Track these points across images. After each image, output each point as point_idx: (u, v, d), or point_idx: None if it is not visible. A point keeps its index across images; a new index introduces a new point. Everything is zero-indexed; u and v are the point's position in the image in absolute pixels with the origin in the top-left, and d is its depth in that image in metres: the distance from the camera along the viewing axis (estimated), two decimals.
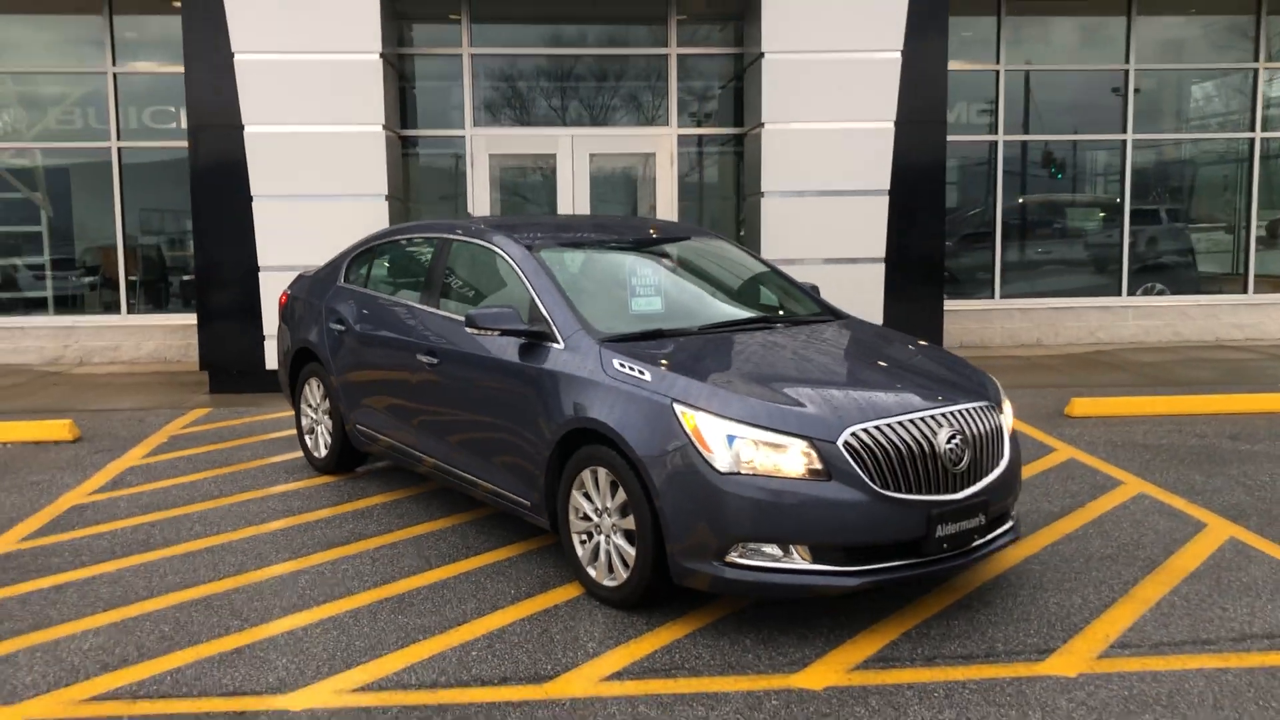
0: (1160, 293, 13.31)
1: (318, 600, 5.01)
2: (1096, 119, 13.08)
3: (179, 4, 11.15)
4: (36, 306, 12.47)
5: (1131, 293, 13.21)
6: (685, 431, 4.45)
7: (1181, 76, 13.37)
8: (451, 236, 6.28)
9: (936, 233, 10.60)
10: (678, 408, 4.51)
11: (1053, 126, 13.09)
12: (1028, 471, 7.06)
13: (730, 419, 4.41)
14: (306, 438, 7.34)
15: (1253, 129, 13.10)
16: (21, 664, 4.36)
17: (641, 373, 4.72)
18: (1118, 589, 5.04)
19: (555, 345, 5.15)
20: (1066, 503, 6.42)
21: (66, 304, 12.52)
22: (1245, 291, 13.31)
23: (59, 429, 8.19)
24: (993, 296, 12.98)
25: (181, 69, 10.59)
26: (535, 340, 5.24)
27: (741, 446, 4.38)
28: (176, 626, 4.72)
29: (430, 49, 11.79)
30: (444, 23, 11.63)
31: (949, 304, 12.37)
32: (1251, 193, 13.18)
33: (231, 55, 9.81)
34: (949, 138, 12.06)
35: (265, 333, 10.05)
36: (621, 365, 4.81)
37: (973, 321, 12.77)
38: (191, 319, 12.01)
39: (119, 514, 6.39)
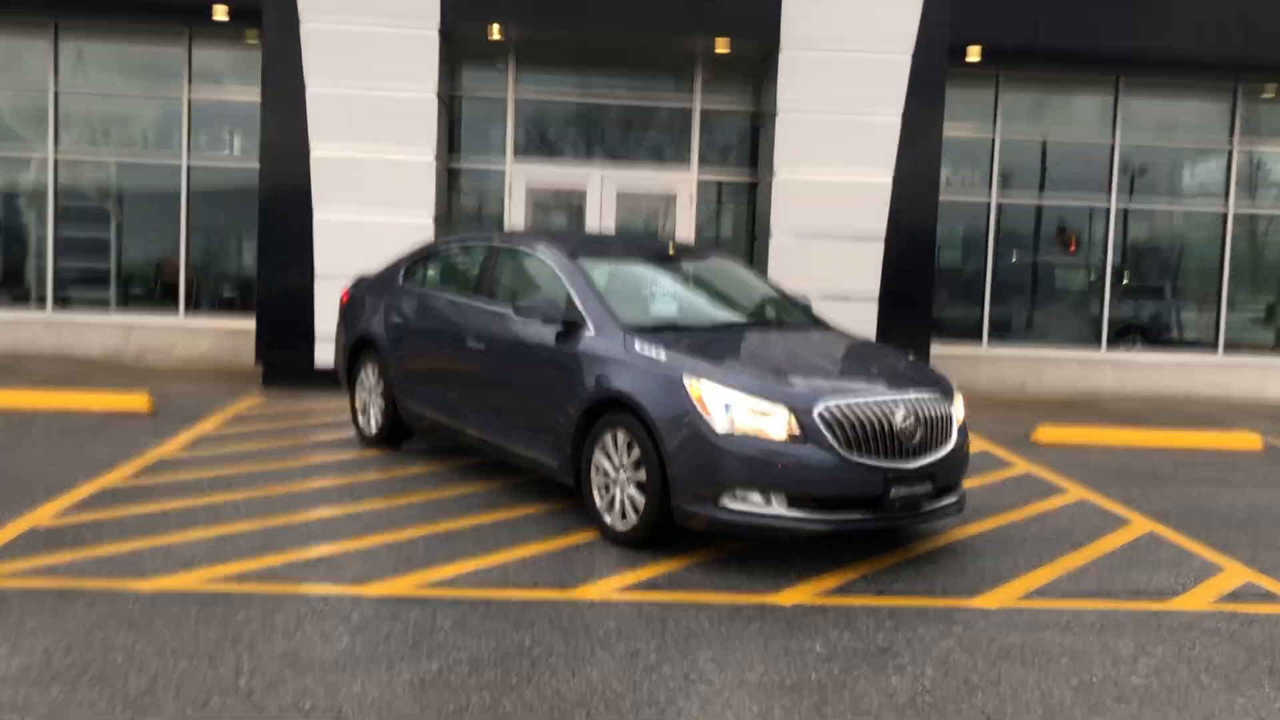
0: (1143, 347, 14.34)
1: (379, 530, 6.05)
2: (1084, 185, 14.21)
3: (252, 41, 12.50)
4: (101, 305, 13.60)
5: (1112, 347, 14.24)
6: (691, 399, 5.52)
7: (1162, 151, 14.51)
8: (500, 244, 7.40)
9: (926, 276, 11.69)
10: (686, 379, 5.57)
11: (1043, 190, 14.23)
12: (987, 480, 8.07)
13: (728, 388, 5.48)
14: (360, 416, 8.39)
15: (1226, 203, 14.21)
16: (146, 557, 5.41)
17: (658, 352, 5.80)
18: (1045, 558, 6.06)
19: (587, 332, 6.22)
20: (1015, 502, 7.43)
21: (128, 303, 13.65)
22: (1216, 351, 14.34)
23: (137, 400, 9.28)
24: (981, 343, 14.03)
25: (248, 97, 11.86)
26: (570, 327, 6.31)
27: (736, 412, 5.44)
28: (266, 540, 5.77)
29: (478, 90, 12.99)
30: (491, 69, 12.85)
31: (940, 348, 13.41)
32: (1224, 261, 14.27)
33: (304, 87, 11.01)
34: (947, 198, 13.28)
35: (317, 334, 11.14)
36: (641, 347, 5.89)
37: (962, 366, 13.76)
38: (242, 323, 13.14)
39: (202, 466, 7.46)
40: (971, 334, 14.09)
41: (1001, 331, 14.22)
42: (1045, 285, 14.71)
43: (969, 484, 7.52)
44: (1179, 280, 14.84)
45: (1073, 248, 14.58)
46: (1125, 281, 14.45)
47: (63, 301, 13.45)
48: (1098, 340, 14.22)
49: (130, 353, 13.23)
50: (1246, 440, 10.06)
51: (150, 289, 13.74)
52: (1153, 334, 14.53)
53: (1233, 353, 14.36)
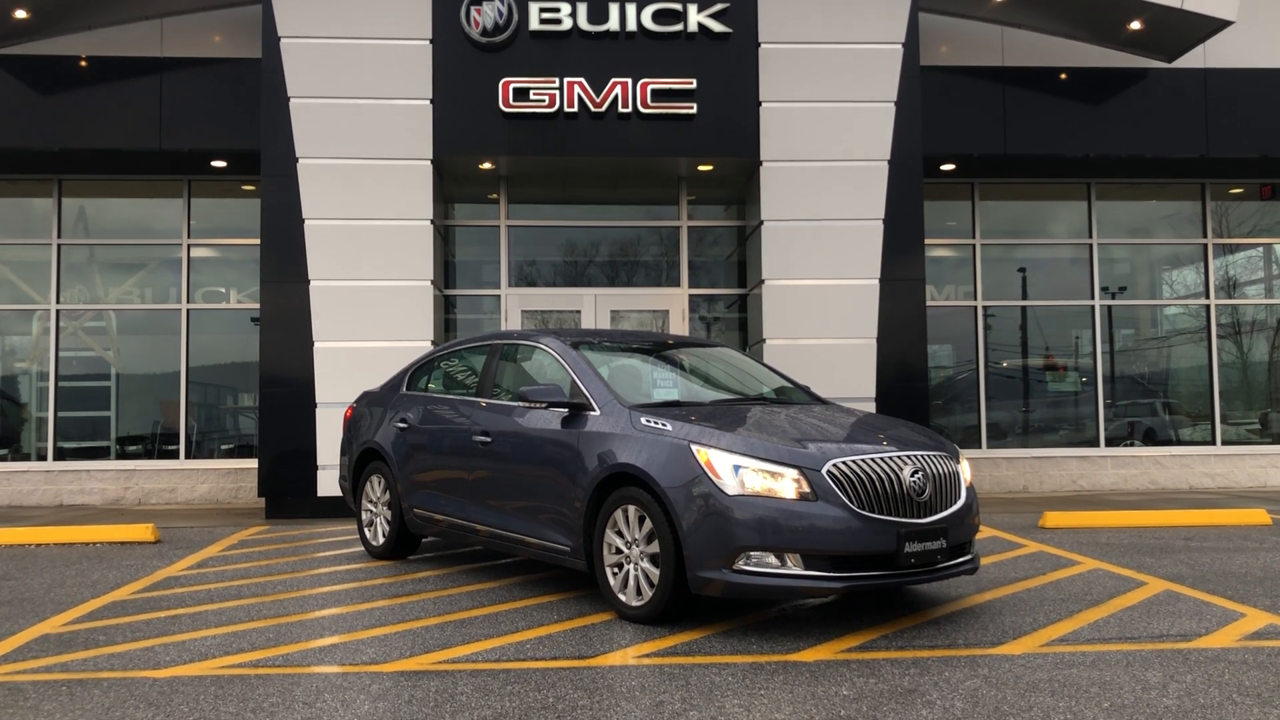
0: (1140, 445, 14.43)
1: (391, 622, 5.99)
2: (1067, 287, 14.54)
3: (248, 189, 12.94)
4: (101, 453, 13.64)
5: (1110, 444, 14.31)
6: (700, 465, 5.56)
7: (1140, 249, 14.92)
8: (502, 341, 7.54)
9: (921, 376, 11.83)
10: (694, 447, 5.63)
11: (1026, 295, 14.53)
12: (998, 559, 8.04)
13: (736, 453, 5.54)
14: (366, 530, 8.37)
15: (1207, 296, 14.52)
16: (159, 652, 5.35)
17: (664, 425, 5.87)
18: (1064, 614, 6.01)
19: (592, 413, 6.30)
20: (1029, 573, 7.39)
21: (128, 450, 13.69)
22: (1214, 443, 14.41)
23: (142, 531, 9.24)
24: (980, 447, 14.08)
25: (245, 241, 12.45)
26: (575, 411, 6.39)
27: (745, 475, 5.48)
28: (279, 634, 5.71)
29: (472, 220, 13.37)
30: (484, 202, 13.26)
31: None
32: (1211, 352, 14.48)
33: (302, 221, 11.33)
34: (935, 304, 13.61)
35: (320, 463, 11.17)
36: (647, 421, 5.96)
37: None
38: (243, 463, 13.22)
39: (210, 580, 7.41)
40: (970, 438, 14.16)
41: (999, 434, 14.30)
42: (1038, 388, 14.86)
43: (981, 561, 7.53)
44: (1170, 380, 15.01)
45: (1062, 369, 14.83)
46: (1127, 368, 14.64)
47: (62, 452, 13.49)
48: (1096, 438, 14.29)
49: (130, 499, 13.20)
50: (1255, 516, 10.04)
51: (151, 435, 13.78)
52: (1148, 429, 14.62)
53: (1231, 444, 14.45)
